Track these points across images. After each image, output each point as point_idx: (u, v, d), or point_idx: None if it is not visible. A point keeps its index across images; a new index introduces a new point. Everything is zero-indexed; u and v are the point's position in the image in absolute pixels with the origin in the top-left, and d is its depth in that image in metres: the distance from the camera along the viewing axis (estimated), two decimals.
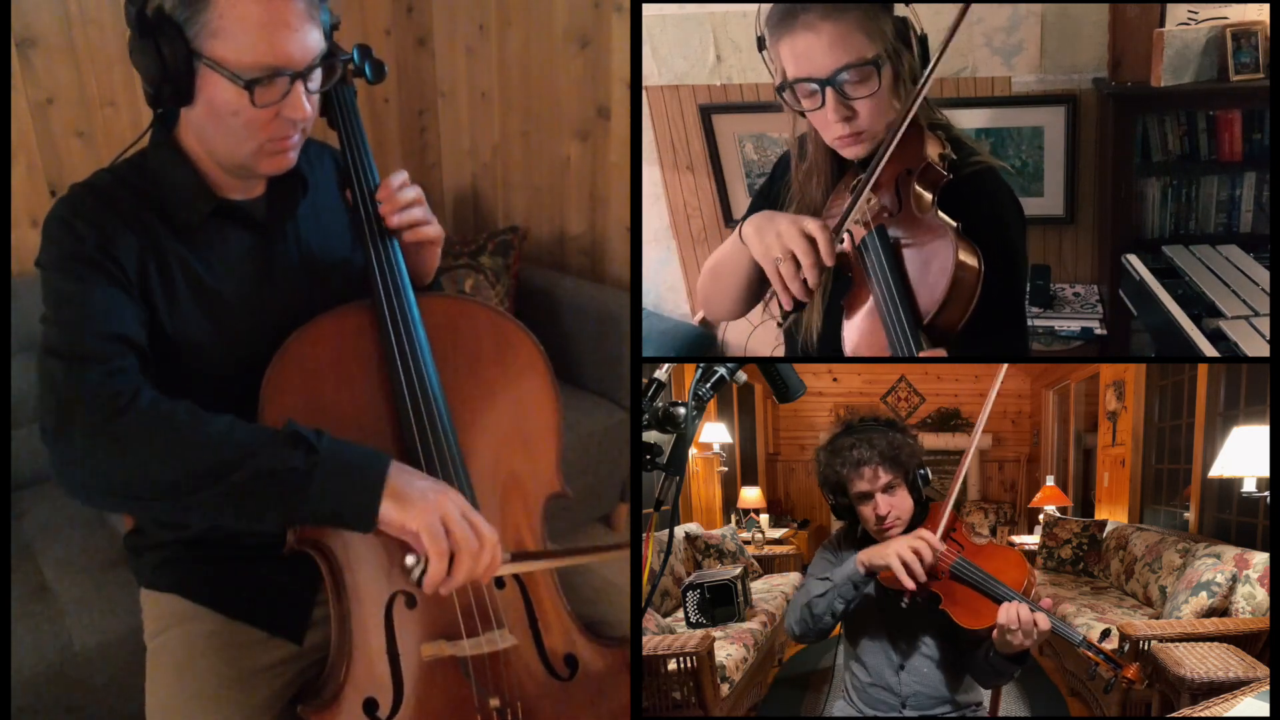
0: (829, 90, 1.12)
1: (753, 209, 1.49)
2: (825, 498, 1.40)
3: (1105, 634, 1.19)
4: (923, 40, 1.16)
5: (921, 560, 1.22)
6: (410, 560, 1.02)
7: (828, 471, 1.35)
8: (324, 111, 1.29)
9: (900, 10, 1.15)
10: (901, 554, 1.22)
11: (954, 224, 1.14)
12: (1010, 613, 1.16)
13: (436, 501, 1.00)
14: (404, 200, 1.21)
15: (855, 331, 1.22)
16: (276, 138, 1.10)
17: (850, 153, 1.21)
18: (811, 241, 1.13)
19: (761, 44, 1.19)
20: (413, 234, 1.23)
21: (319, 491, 0.98)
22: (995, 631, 1.18)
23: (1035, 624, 1.15)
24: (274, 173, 1.16)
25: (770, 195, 1.40)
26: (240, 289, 1.19)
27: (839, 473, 1.33)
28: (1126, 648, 1.20)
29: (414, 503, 1.00)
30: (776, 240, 1.15)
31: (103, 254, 1.08)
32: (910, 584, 1.21)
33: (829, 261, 1.13)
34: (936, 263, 1.12)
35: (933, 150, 1.16)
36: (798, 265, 1.13)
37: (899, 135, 1.13)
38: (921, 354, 1.11)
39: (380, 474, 1.00)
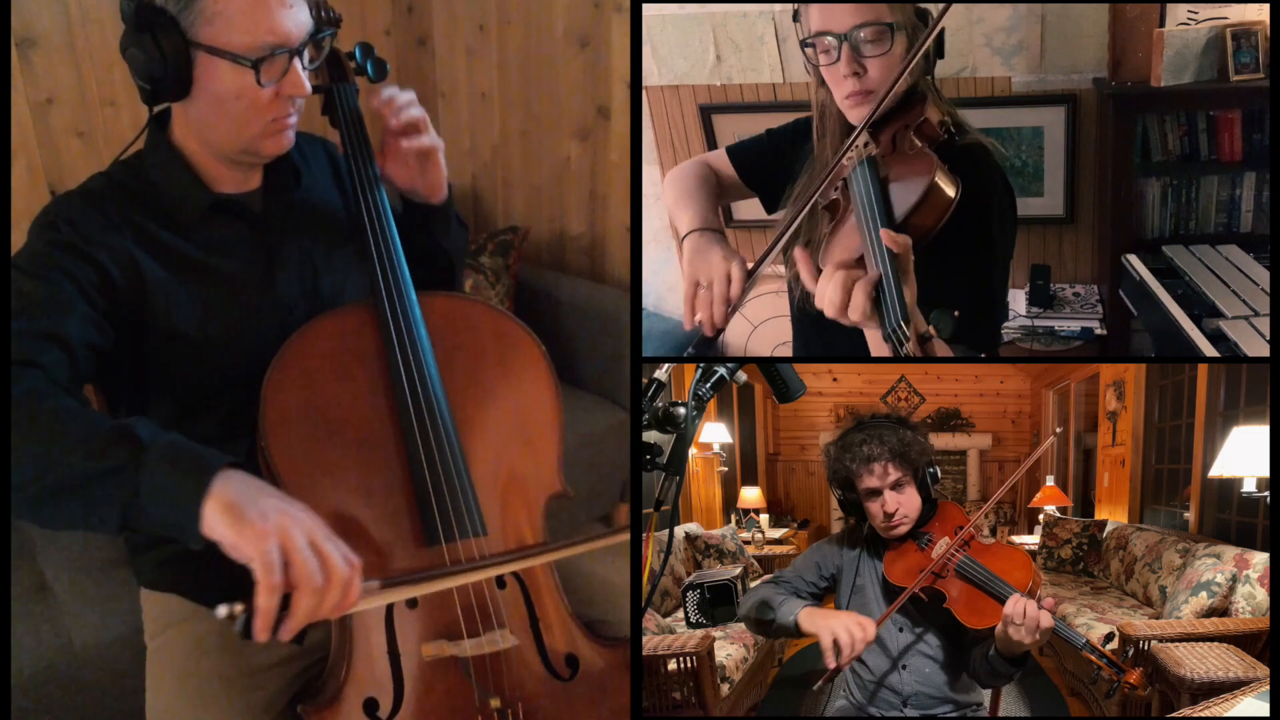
0: (845, 45, 1.19)
1: (750, 148, 1.51)
2: (833, 492, 1.40)
3: (1109, 638, 1.19)
4: (940, 34, 1.22)
5: (854, 646, 1.21)
6: (223, 611, 0.83)
7: (837, 466, 1.36)
8: (325, 110, 1.29)
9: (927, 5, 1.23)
10: (837, 633, 1.21)
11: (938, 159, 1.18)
12: (1017, 605, 1.15)
13: (277, 524, 0.85)
14: (401, 102, 1.22)
15: (833, 244, 1.22)
16: (278, 117, 1.12)
17: (857, 114, 1.25)
18: (728, 282, 1.22)
19: (796, 16, 1.26)
20: (411, 142, 1.23)
21: (147, 494, 0.88)
22: (999, 625, 1.17)
23: (1039, 622, 1.15)
24: (276, 153, 1.17)
25: (782, 161, 1.42)
26: (243, 281, 1.19)
27: (848, 468, 1.33)
28: (1130, 652, 1.19)
29: (249, 522, 0.85)
30: (705, 267, 1.24)
31: (73, 253, 1.08)
32: (832, 663, 1.21)
33: (734, 296, 1.22)
34: (914, 180, 1.16)
35: (934, 113, 1.21)
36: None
37: (899, 81, 1.17)
38: (884, 234, 1.10)
39: (205, 480, 0.87)
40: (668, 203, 1.44)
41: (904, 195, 1.15)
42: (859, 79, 1.20)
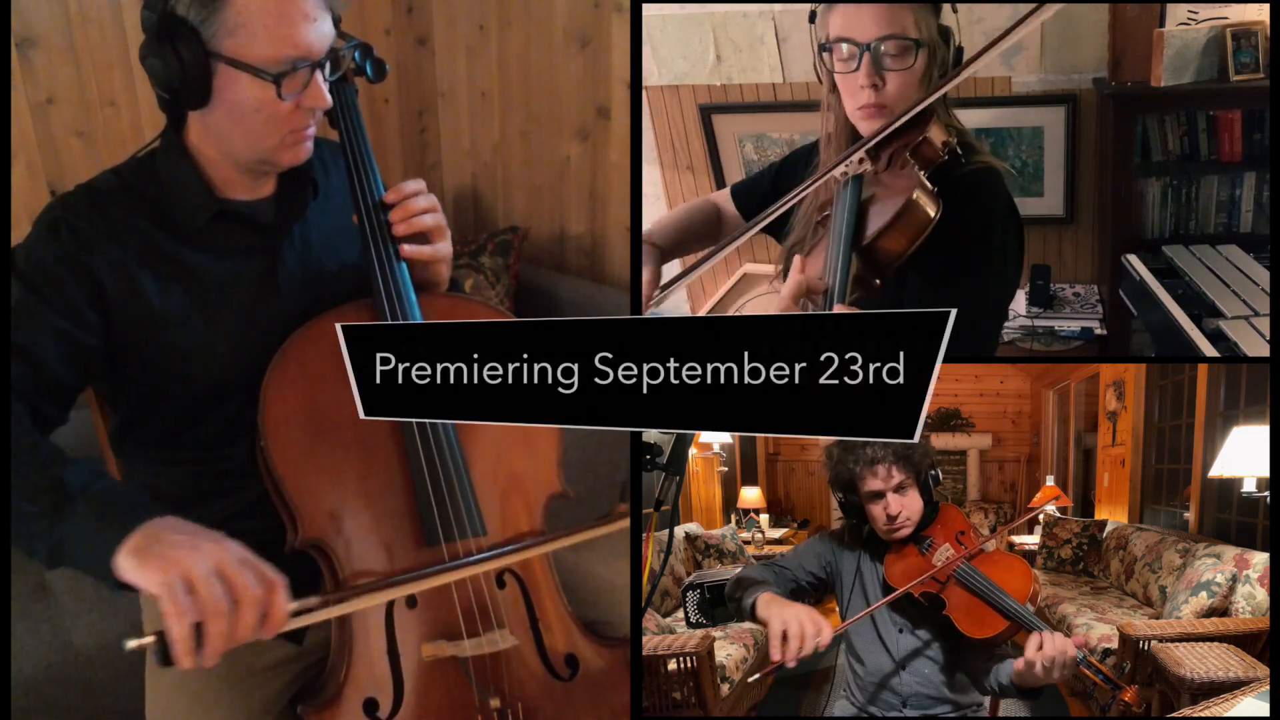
0: (866, 55, 1.17)
1: (753, 188, 1.49)
2: (834, 495, 1.40)
3: (1105, 654, 1.18)
4: (959, 52, 1.22)
5: (804, 642, 1.14)
6: (131, 644, 0.87)
7: (840, 469, 1.35)
8: (325, 111, 1.29)
9: (947, 19, 1.22)
10: (789, 624, 1.15)
11: (925, 180, 1.16)
12: (1037, 651, 1.12)
13: (178, 559, 0.87)
14: (416, 208, 1.19)
15: (809, 261, 1.22)
16: (297, 129, 1.12)
17: (867, 126, 1.23)
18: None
19: (813, 17, 1.24)
20: (413, 251, 1.19)
21: (68, 540, 0.93)
22: (1018, 662, 1.16)
23: (1065, 654, 1.11)
24: (294, 163, 1.16)
25: (774, 198, 1.40)
26: (243, 291, 1.19)
27: (851, 470, 1.33)
28: (1128, 667, 1.18)
29: (150, 560, 0.87)
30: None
31: (69, 265, 1.08)
32: (777, 656, 1.14)
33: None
34: (891, 200, 1.15)
35: (936, 134, 1.19)
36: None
37: (910, 115, 1.16)
38: (838, 308, 1.11)
39: (126, 530, 0.90)
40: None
41: (878, 216, 1.14)
42: (876, 91, 1.18)
